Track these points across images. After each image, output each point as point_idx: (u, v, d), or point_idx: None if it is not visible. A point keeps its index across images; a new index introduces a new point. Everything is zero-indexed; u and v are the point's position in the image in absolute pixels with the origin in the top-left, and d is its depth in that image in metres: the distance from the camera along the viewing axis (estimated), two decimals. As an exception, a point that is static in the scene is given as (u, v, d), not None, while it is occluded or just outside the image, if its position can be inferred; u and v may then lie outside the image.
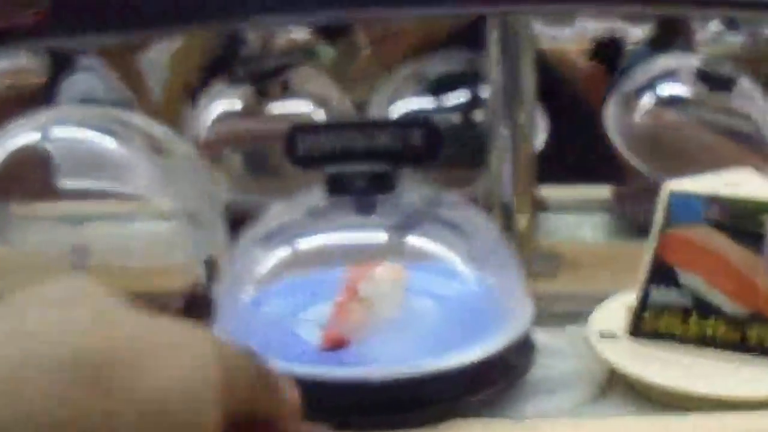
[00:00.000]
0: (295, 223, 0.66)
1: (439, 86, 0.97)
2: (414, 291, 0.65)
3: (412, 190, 0.65)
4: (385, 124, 0.64)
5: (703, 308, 0.64)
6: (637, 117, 1.00)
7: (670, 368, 0.62)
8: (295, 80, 0.98)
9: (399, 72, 1.03)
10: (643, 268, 0.65)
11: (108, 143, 0.64)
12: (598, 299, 0.70)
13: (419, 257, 0.65)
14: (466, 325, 0.63)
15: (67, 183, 0.60)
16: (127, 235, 0.78)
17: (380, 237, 0.65)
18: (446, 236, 0.65)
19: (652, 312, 0.65)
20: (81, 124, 0.66)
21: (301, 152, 0.63)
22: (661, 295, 0.64)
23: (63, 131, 0.65)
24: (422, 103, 0.99)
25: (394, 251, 0.65)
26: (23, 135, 0.63)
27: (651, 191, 0.97)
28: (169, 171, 0.66)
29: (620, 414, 0.61)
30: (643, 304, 0.65)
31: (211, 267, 0.75)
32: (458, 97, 1.00)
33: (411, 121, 0.65)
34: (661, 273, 0.64)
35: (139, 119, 0.74)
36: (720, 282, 0.63)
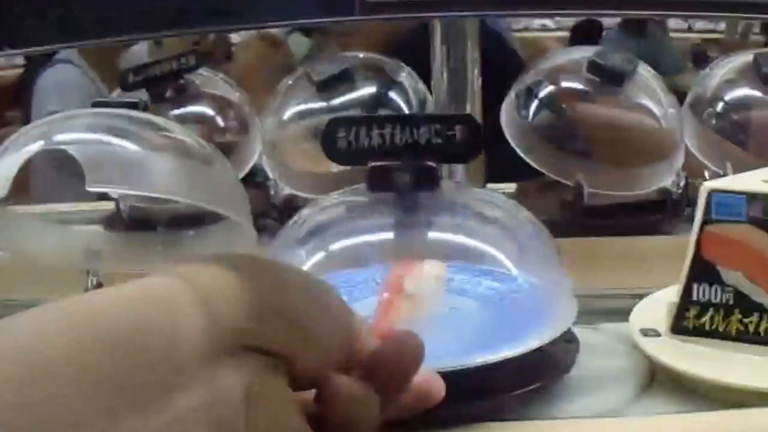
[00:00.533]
0: (336, 219, 0.65)
1: (326, 87, 0.95)
2: (456, 289, 0.64)
3: (454, 185, 0.65)
4: (427, 119, 0.63)
5: (746, 305, 0.64)
6: (530, 113, 0.98)
7: (715, 364, 0.62)
8: (192, 84, 0.97)
9: (292, 74, 1.02)
10: (685, 265, 0.65)
11: (130, 145, 0.64)
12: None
13: (461, 255, 0.64)
14: (508, 323, 0.63)
15: (93, 186, 0.59)
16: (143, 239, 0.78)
17: (422, 234, 0.65)
18: (488, 233, 0.65)
19: (695, 309, 0.64)
20: (100, 126, 0.65)
21: (341, 147, 0.62)
22: (703, 292, 0.64)
23: (83, 134, 0.64)
24: (311, 103, 0.97)
25: (436, 248, 0.64)
26: (41, 138, 0.62)
27: (551, 187, 0.97)
28: (193, 172, 0.65)
29: (666, 411, 0.61)
30: (686, 301, 0.64)
31: None
32: (345, 96, 0.98)
33: (453, 116, 0.64)
34: (703, 270, 0.64)
35: (159, 120, 0.73)
36: (762, 279, 0.63)
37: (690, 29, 3.72)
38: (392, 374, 0.44)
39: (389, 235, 0.65)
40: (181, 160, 0.62)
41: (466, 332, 0.62)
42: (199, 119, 0.96)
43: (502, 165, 0.96)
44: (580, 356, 0.65)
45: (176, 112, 0.95)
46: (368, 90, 0.97)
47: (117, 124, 0.62)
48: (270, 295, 0.39)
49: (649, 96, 1.00)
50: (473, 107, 0.80)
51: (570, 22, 3.22)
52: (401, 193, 0.63)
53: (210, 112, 0.97)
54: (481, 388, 0.59)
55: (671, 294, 0.67)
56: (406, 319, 0.60)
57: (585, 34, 3.13)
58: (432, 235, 0.65)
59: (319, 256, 0.64)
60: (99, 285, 0.73)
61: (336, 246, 0.64)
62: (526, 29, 3.49)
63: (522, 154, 0.93)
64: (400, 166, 0.62)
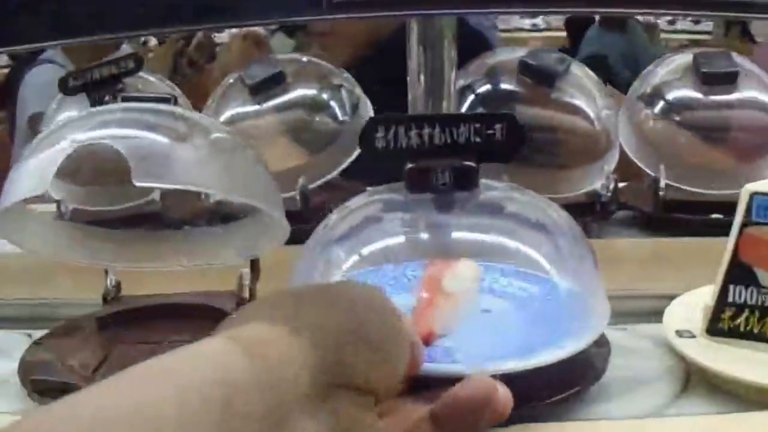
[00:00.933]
0: (371, 218, 0.65)
1: (258, 90, 0.96)
2: (490, 289, 0.64)
3: (493, 185, 0.64)
4: (467, 118, 0.63)
5: (782, 307, 0.64)
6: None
7: (751, 365, 0.62)
8: (132, 87, 0.98)
9: (227, 79, 1.03)
10: (721, 267, 0.65)
11: (172, 140, 0.63)
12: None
13: (496, 254, 0.64)
14: (543, 326, 0.62)
15: (141, 182, 0.58)
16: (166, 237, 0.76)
17: (457, 233, 0.65)
18: (524, 234, 0.64)
19: (730, 311, 0.64)
20: (134, 121, 0.64)
21: (379, 147, 0.62)
22: (739, 294, 0.64)
23: (125, 130, 0.63)
24: (244, 106, 0.98)
25: (472, 248, 0.64)
26: (75, 135, 0.61)
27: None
28: (232, 167, 0.64)
29: (704, 413, 0.61)
30: (722, 303, 0.64)
31: (256, 267, 0.74)
32: (278, 99, 0.99)
33: (493, 114, 0.64)
34: (740, 272, 0.64)
35: (198, 116, 0.72)
36: (799, 281, 0.64)
37: (676, 30, 3.74)
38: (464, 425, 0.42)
39: (424, 233, 0.65)
40: (219, 154, 0.62)
41: (500, 334, 0.61)
42: None
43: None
44: (612, 358, 0.65)
45: None
46: (300, 92, 0.98)
47: (150, 118, 0.62)
48: (346, 322, 0.39)
49: (582, 97, 0.98)
50: (449, 107, 0.79)
51: (560, 21, 3.24)
52: (439, 193, 0.62)
53: None
54: (518, 395, 0.59)
55: (702, 296, 0.67)
56: (443, 318, 0.58)
57: (577, 27, 3.13)
58: (468, 234, 0.65)
59: (353, 252, 0.63)
60: (118, 284, 0.72)
61: (370, 243, 0.64)
62: (517, 29, 3.50)
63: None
64: (439, 165, 0.62)
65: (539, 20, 3.46)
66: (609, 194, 0.96)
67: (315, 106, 0.99)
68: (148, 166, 0.57)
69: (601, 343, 0.65)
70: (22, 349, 0.70)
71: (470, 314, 0.59)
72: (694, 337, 0.65)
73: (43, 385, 0.63)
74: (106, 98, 0.94)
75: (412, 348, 0.43)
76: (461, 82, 0.96)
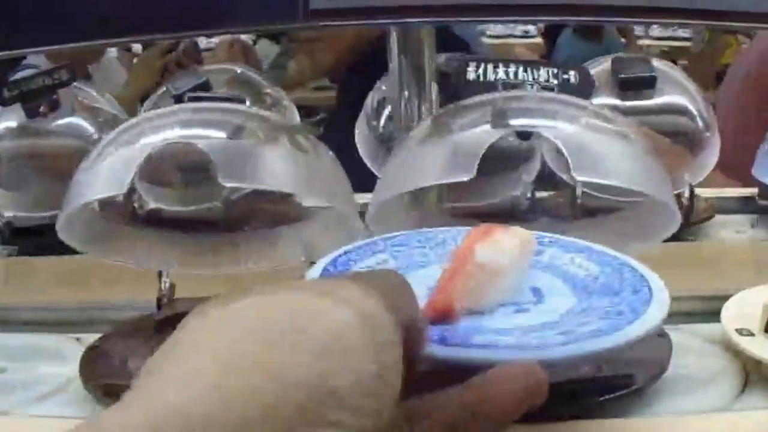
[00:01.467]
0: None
1: (181, 99, 0.97)
2: (550, 265, 0.58)
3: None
4: (546, 64, 0.65)
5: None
6: (380, 124, 0.95)
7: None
8: (66, 98, 0.99)
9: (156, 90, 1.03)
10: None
11: (255, 141, 0.62)
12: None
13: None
14: (598, 315, 0.54)
15: (228, 182, 0.58)
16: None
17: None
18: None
19: (791, 309, 0.65)
20: (217, 122, 0.64)
21: (471, 79, 0.65)
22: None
23: (205, 130, 0.63)
24: None
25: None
26: (147, 136, 0.61)
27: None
28: (312, 167, 0.64)
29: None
30: (783, 300, 0.65)
31: None
32: None
33: (567, 64, 0.66)
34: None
35: (274, 116, 0.72)
36: None
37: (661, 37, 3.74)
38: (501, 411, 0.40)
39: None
40: (300, 154, 0.61)
41: (544, 319, 0.52)
42: (74, 131, 0.98)
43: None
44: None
45: (51, 125, 0.98)
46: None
47: (229, 118, 0.61)
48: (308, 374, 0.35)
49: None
50: (431, 110, 0.80)
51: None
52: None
53: (84, 124, 0.99)
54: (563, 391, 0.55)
55: (760, 294, 0.67)
56: (472, 293, 0.51)
57: (555, 34, 3.16)
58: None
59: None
60: (172, 287, 0.72)
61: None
62: (510, 36, 3.51)
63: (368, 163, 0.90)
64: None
65: (532, 28, 3.48)
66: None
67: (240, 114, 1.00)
68: (234, 166, 0.56)
69: (662, 335, 0.63)
70: (73, 352, 0.69)
71: (508, 291, 0.53)
72: (753, 335, 0.65)
73: (109, 389, 0.62)
74: (41, 109, 0.96)
75: (409, 329, 0.39)
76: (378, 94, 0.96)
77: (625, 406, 0.59)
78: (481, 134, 0.56)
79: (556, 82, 0.64)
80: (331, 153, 0.66)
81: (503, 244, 0.54)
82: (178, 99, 0.93)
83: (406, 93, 0.80)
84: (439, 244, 0.60)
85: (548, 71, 0.64)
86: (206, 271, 0.70)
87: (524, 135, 0.63)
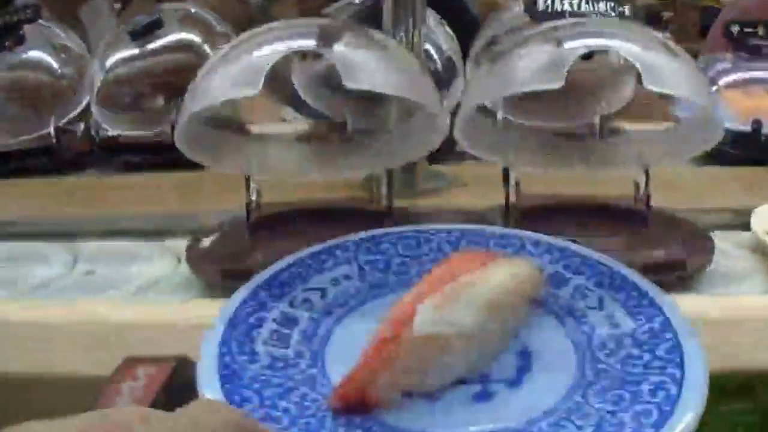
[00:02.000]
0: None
1: (137, 35, 1.00)
2: (557, 308, 0.50)
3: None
4: None
5: None
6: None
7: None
8: (32, 33, 1.03)
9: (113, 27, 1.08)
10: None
11: (369, 50, 0.65)
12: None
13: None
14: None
15: (352, 85, 0.59)
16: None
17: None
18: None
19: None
20: (306, 34, 0.65)
21: (542, 9, 0.74)
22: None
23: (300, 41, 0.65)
24: (127, 51, 1.01)
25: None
26: (269, 44, 0.62)
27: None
28: (414, 75, 0.67)
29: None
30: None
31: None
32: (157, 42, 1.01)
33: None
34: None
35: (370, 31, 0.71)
36: None
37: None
38: None
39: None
40: (403, 61, 0.66)
41: (510, 414, 0.41)
42: (37, 66, 1.03)
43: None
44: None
45: (15, 59, 1.02)
46: (177, 36, 1.03)
47: (319, 31, 0.64)
48: None
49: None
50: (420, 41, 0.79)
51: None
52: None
53: (48, 58, 1.04)
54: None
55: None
56: (406, 370, 0.41)
57: None
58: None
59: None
60: (258, 192, 0.73)
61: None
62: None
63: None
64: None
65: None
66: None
67: (192, 50, 1.03)
68: (356, 71, 0.60)
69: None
70: (162, 255, 0.76)
71: (467, 366, 0.42)
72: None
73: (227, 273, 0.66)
74: (7, 44, 1.00)
75: None
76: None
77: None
78: (566, 48, 0.61)
79: (613, 14, 0.72)
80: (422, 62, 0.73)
81: (466, 298, 0.43)
82: (133, 34, 1.01)
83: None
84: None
85: (606, 4, 0.73)
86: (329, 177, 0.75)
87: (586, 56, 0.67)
